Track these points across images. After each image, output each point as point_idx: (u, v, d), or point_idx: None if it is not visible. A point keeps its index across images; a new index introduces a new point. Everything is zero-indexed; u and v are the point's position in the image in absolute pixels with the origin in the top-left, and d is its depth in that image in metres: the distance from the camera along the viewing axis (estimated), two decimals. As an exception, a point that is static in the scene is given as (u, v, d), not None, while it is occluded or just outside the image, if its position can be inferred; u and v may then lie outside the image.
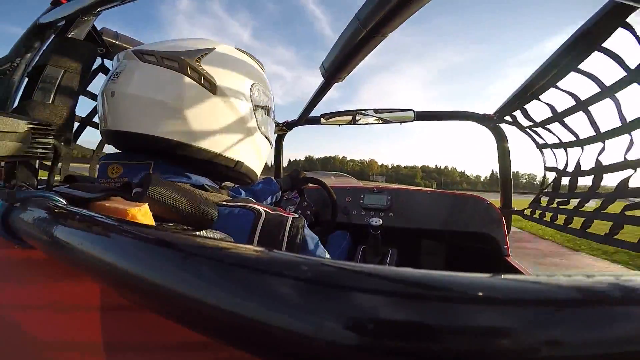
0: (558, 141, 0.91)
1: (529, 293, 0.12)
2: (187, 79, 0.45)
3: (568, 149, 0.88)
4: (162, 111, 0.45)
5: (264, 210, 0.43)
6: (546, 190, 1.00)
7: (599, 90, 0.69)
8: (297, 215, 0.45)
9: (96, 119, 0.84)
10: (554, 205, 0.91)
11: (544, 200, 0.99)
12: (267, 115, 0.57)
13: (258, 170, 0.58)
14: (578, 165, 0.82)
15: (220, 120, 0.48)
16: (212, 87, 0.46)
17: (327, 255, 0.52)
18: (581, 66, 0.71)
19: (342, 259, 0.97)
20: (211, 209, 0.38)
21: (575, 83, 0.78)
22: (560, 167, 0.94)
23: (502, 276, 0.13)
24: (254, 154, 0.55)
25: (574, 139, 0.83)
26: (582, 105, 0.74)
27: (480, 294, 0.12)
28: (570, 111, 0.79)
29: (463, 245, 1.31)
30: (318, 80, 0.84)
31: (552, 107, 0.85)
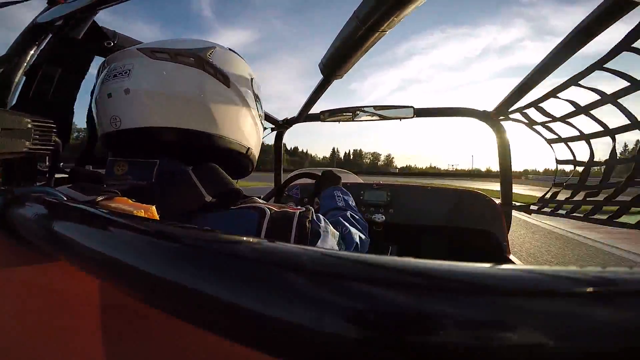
0: (577, 134, 0.88)
1: (534, 284, 0.12)
2: (205, 74, 0.48)
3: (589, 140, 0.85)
4: (185, 105, 0.46)
5: (269, 208, 0.42)
6: (564, 183, 0.97)
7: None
8: (304, 209, 0.44)
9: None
10: (577, 198, 0.88)
11: (563, 193, 0.96)
12: (261, 107, 0.63)
13: (256, 157, 0.63)
14: (613, 153, 0.79)
15: (234, 110, 0.52)
16: (226, 80, 0.50)
17: (343, 247, 0.51)
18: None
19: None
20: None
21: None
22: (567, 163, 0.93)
23: (507, 267, 0.13)
24: (258, 141, 0.61)
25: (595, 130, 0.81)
26: (609, 98, 0.73)
27: (487, 285, 0.12)
28: (595, 104, 0.77)
29: (463, 241, 1.31)
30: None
31: (574, 103, 0.83)
